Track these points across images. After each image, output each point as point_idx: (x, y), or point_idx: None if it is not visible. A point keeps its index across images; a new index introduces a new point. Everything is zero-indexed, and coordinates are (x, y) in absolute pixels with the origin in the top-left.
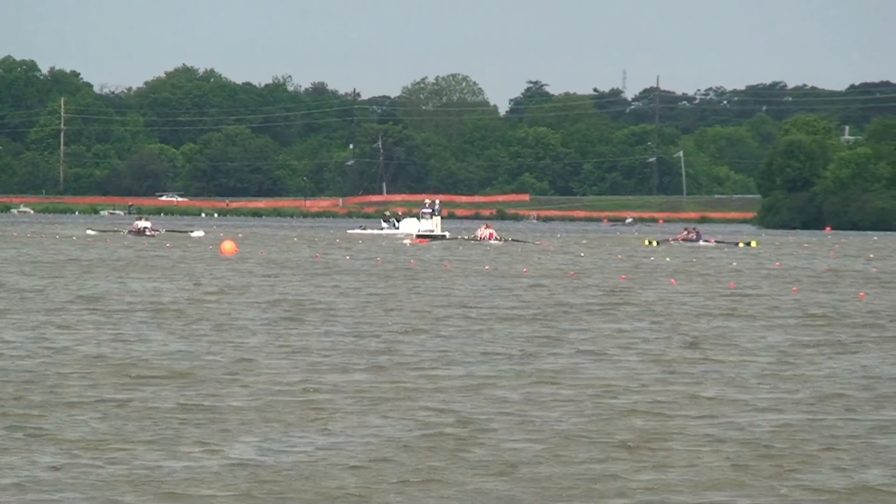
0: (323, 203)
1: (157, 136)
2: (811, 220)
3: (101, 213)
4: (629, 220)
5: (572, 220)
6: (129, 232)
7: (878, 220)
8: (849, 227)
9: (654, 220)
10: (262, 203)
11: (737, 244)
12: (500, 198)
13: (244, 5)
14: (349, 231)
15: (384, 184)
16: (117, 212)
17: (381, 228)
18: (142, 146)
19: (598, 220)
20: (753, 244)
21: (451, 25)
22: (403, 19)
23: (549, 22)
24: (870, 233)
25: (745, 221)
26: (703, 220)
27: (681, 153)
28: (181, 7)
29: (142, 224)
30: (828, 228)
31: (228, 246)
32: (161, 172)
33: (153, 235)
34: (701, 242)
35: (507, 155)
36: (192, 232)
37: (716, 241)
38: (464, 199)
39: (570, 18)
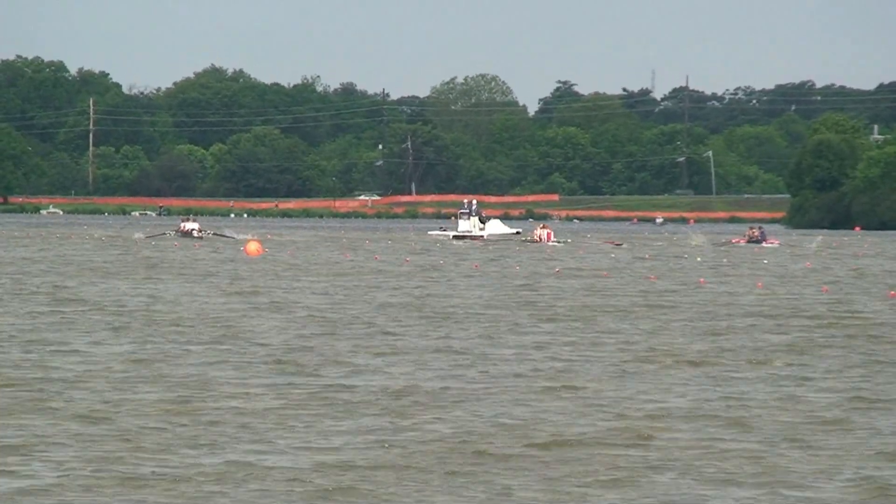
0: (352, 203)
1: (186, 137)
2: (840, 220)
3: (132, 213)
4: (660, 220)
5: (601, 219)
6: (177, 233)
7: None
8: (878, 226)
9: (685, 220)
10: (291, 203)
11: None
12: (530, 198)
13: (273, 5)
14: (430, 233)
15: (413, 184)
16: (148, 213)
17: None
18: (171, 147)
19: (628, 219)
20: (814, 246)
21: (480, 25)
22: (432, 19)
23: (578, 22)
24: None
25: (774, 221)
26: (732, 220)
27: (710, 153)
28: (210, 7)
29: (189, 225)
30: (857, 228)
31: (253, 247)
32: (190, 173)
33: (201, 237)
34: (764, 244)
35: (537, 155)
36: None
37: (780, 243)
38: (493, 199)
39: (599, 18)
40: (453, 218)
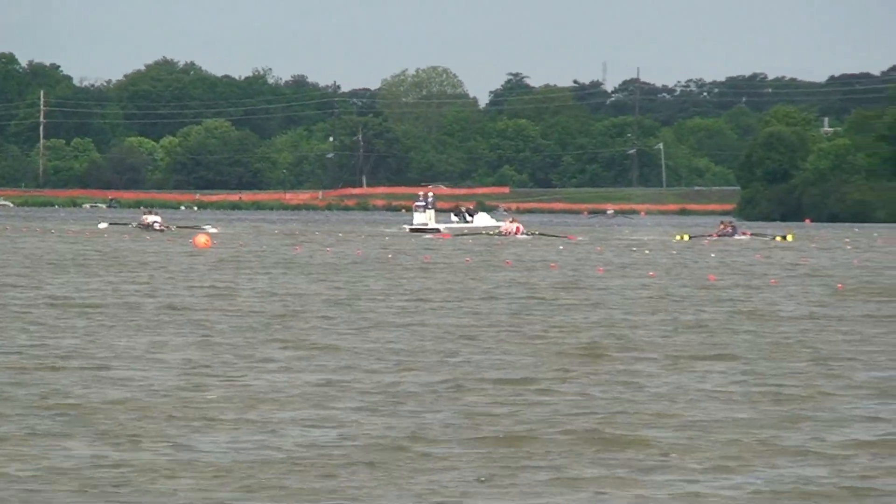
0: (302, 196)
1: (137, 129)
2: (790, 212)
3: (84, 206)
4: (611, 212)
5: (552, 212)
6: (138, 226)
7: (857, 211)
8: (828, 218)
9: (636, 213)
10: (237, 196)
11: (773, 237)
12: (480, 190)
13: None
14: (404, 226)
15: (364, 176)
16: (99, 205)
17: (451, 223)
18: (121, 139)
19: (579, 212)
20: (790, 238)
21: (431, 17)
22: (383, 12)
23: (529, 14)
24: (849, 224)
25: (724, 213)
26: (682, 213)
27: (660, 145)
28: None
29: (151, 218)
30: (807, 220)
31: (202, 239)
32: (140, 165)
33: (162, 230)
34: (736, 237)
35: (487, 147)
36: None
37: (751, 235)
38: (444, 191)
39: (550, 10)
40: (451, 213)
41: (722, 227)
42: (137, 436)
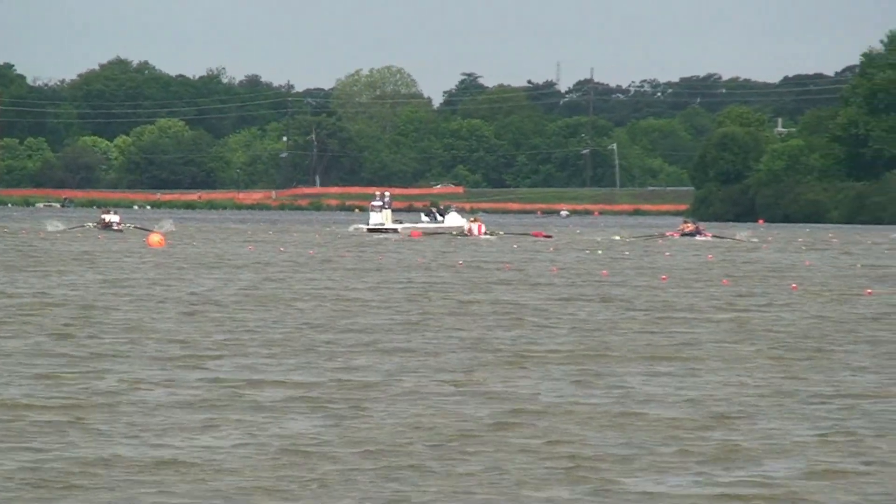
0: (256, 195)
1: (91, 129)
2: (744, 213)
3: (37, 205)
4: (564, 213)
5: (506, 212)
6: (96, 225)
7: (810, 212)
8: (781, 219)
9: (589, 213)
10: (195, 195)
11: (734, 238)
12: (434, 190)
13: None
14: (360, 226)
15: (317, 176)
16: (53, 204)
17: (422, 222)
18: (75, 139)
19: (532, 212)
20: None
21: (385, 17)
22: (337, 11)
23: (483, 14)
24: (802, 225)
25: (678, 214)
26: (636, 213)
27: (614, 145)
28: None
29: (109, 218)
30: (761, 221)
31: (156, 238)
32: (94, 165)
33: (121, 230)
34: (699, 237)
35: (441, 147)
36: (160, 227)
37: (712, 236)
38: (397, 191)
39: (504, 10)
40: (422, 213)
41: (684, 226)
42: None
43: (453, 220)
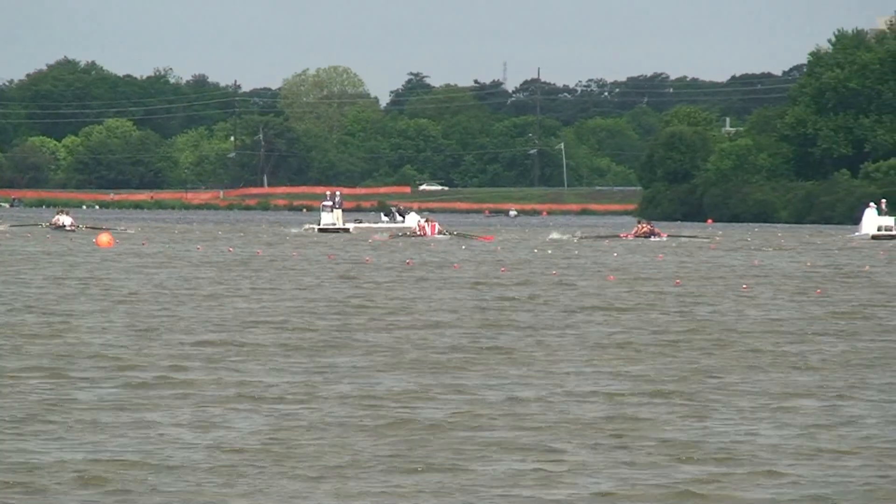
0: (204, 195)
1: (39, 129)
2: (692, 212)
3: None
4: (513, 213)
5: (454, 211)
6: (49, 226)
7: (758, 211)
8: (729, 218)
9: (538, 212)
10: (143, 195)
11: (693, 237)
12: (382, 189)
13: None
14: (311, 225)
15: (265, 176)
16: (2, 205)
17: (381, 222)
18: (23, 139)
19: (480, 211)
20: (717, 239)
21: (332, 17)
22: (284, 11)
23: (430, 14)
24: (750, 224)
25: (626, 213)
26: (584, 212)
27: (562, 145)
28: None
29: (62, 219)
30: (709, 221)
31: (105, 238)
32: (42, 165)
33: (74, 230)
34: (653, 238)
35: (388, 147)
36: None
37: (667, 236)
38: (345, 190)
39: (451, 10)
40: (381, 213)
41: (640, 227)
42: None
43: (413, 221)
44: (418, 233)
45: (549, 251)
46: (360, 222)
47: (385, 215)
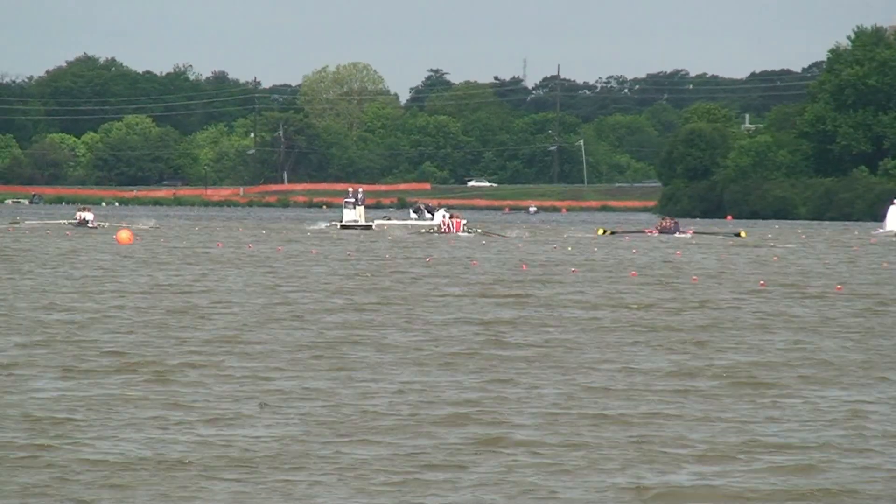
0: (224, 192)
1: (59, 126)
2: (712, 209)
3: (5, 202)
4: (533, 209)
5: (473, 208)
6: (71, 223)
7: (778, 208)
8: (749, 215)
9: (557, 209)
10: (163, 192)
11: (737, 234)
12: (401, 186)
13: None
14: (376, 221)
15: (285, 172)
16: (21, 201)
17: (410, 219)
18: (43, 135)
19: (500, 208)
20: (742, 234)
21: (352, 14)
22: (304, 7)
23: (450, 10)
24: (770, 221)
25: (645, 210)
26: (603, 209)
27: (581, 142)
28: None
29: (84, 215)
30: (728, 217)
31: (124, 235)
32: (62, 161)
33: (96, 227)
34: (678, 234)
35: (408, 143)
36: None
37: (693, 232)
38: (365, 187)
39: (471, 6)
40: (410, 210)
41: (662, 223)
42: None
43: (440, 218)
44: (443, 230)
45: (570, 248)
46: (389, 219)
47: (414, 212)
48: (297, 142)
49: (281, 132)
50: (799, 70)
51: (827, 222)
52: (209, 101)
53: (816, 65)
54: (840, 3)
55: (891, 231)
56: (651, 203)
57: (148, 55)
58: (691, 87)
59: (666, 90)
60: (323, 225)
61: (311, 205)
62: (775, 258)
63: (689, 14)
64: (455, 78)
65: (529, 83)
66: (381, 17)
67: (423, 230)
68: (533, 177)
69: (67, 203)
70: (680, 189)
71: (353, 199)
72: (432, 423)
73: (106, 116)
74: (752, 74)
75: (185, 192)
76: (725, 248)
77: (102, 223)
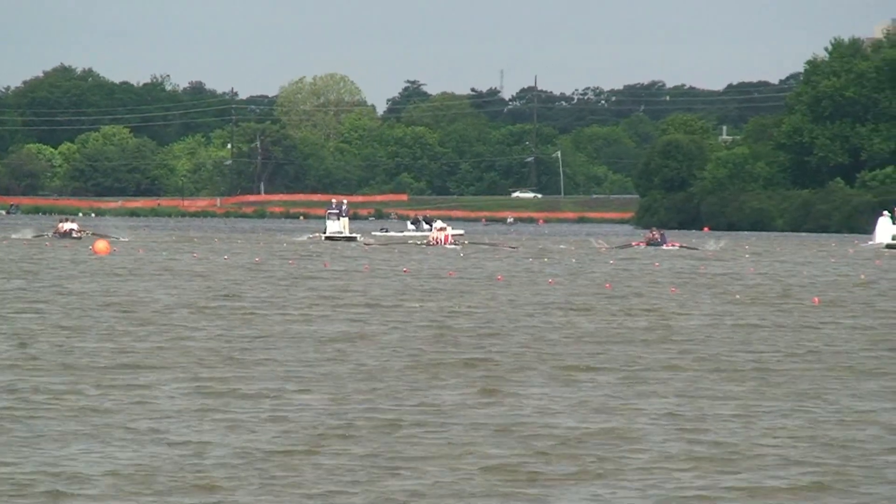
0: (200, 203)
1: (35, 136)
2: (689, 220)
3: None
4: (510, 220)
5: (450, 219)
6: (55, 234)
7: (755, 220)
8: (726, 227)
9: (534, 220)
10: (139, 202)
11: (701, 248)
12: (378, 197)
13: (121, 4)
14: (373, 233)
15: (262, 183)
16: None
17: (408, 230)
18: (19, 146)
19: (477, 219)
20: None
21: (329, 24)
22: (280, 18)
23: (426, 21)
24: (747, 233)
25: (623, 221)
26: (581, 220)
27: (558, 153)
28: (59, 5)
29: (68, 226)
30: (706, 229)
31: (101, 245)
32: (39, 172)
33: (80, 238)
34: (664, 246)
35: (385, 154)
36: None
37: (680, 245)
38: (342, 198)
39: (447, 18)
40: (409, 222)
41: (650, 234)
42: None
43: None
44: (432, 242)
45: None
46: (387, 231)
47: (412, 224)
48: (274, 153)
49: (258, 143)
50: (776, 81)
51: (804, 234)
52: (186, 112)
53: (794, 76)
54: (818, 15)
55: (881, 243)
56: (628, 214)
57: (125, 65)
58: (668, 98)
59: (643, 101)
60: (306, 237)
61: (287, 215)
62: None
63: (666, 25)
64: (432, 89)
65: (506, 94)
66: (359, 28)
67: (411, 242)
68: (510, 188)
69: (44, 213)
70: (657, 200)
71: (336, 211)
72: None
73: (83, 127)
74: (730, 86)
75: (161, 202)
76: (770, 263)
77: (88, 232)
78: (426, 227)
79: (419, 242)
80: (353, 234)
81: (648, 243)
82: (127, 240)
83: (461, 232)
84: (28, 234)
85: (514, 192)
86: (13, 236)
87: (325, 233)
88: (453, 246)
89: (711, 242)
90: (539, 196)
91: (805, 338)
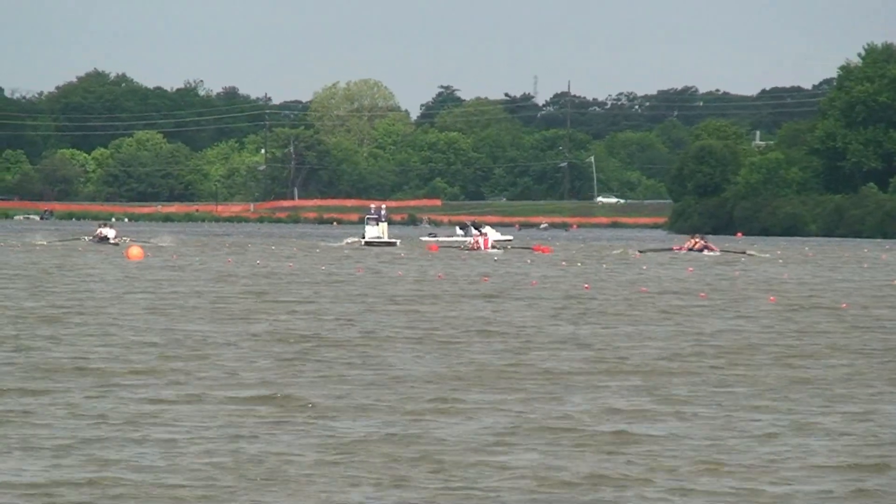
0: (234, 208)
1: (69, 141)
2: (722, 226)
3: (16, 217)
4: (544, 225)
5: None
6: (92, 239)
7: (788, 225)
8: (759, 232)
9: (568, 225)
10: (173, 208)
11: (743, 252)
12: (412, 202)
13: (156, 9)
14: (421, 238)
15: (295, 188)
16: (32, 217)
17: (457, 236)
18: (53, 151)
19: (510, 224)
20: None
21: (363, 30)
22: (315, 24)
23: (461, 27)
24: (780, 238)
25: (656, 227)
26: (614, 225)
27: (592, 158)
28: (93, 10)
29: (105, 231)
30: (739, 234)
31: (135, 251)
32: (72, 177)
33: (117, 244)
34: (706, 252)
35: (419, 160)
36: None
37: (721, 251)
38: (381, 203)
39: (482, 23)
40: (457, 227)
41: (692, 242)
42: None
43: (492, 234)
44: (473, 246)
45: (605, 266)
46: (435, 236)
47: (460, 229)
48: (308, 158)
49: (291, 148)
50: (809, 87)
51: (837, 239)
52: (220, 118)
53: (827, 81)
54: (851, 21)
55: None
56: (661, 219)
57: (158, 70)
58: (702, 103)
59: (676, 107)
60: (345, 241)
61: (321, 221)
62: None
63: (699, 31)
64: (466, 94)
65: (540, 100)
66: (392, 33)
67: (461, 247)
68: (543, 193)
69: (78, 219)
70: (690, 206)
71: (375, 216)
72: None
73: (116, 132)
74: (763, 91)
75: (195, 207)
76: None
77: (126, 239)
78: (475, 232)
79: (463, 247)
80: (393, 240)
81: (690, 249)
82: (165, 245)
83: (509, 238)
84: (40, 239)
85: (598, 197)
86: (37, 242)
87: (363, 237)
88: (495, 250)
89: (753, 248)
90: (622, 201)
91: None
